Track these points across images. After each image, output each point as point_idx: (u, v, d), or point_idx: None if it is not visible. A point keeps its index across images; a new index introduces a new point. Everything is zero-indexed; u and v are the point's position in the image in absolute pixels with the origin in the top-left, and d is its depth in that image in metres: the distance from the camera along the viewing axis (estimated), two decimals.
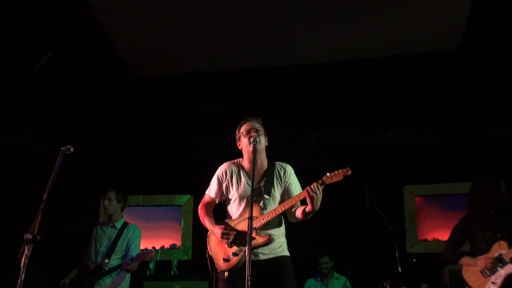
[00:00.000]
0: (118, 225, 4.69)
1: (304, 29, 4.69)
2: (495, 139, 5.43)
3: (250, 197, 2.85)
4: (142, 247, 4.69)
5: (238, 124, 3.35)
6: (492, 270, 3.70)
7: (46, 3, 4.23)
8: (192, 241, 5.98)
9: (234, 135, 3.39)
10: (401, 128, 5.70)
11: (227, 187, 3.27)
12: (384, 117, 5.69)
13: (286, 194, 3.20)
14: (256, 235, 3.00)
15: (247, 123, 3.28)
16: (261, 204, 3.13)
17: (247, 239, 2.63)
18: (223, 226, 3.12)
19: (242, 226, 3.05)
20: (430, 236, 5.76)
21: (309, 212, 3.00)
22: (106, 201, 4.60)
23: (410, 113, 5.55)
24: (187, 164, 5.93)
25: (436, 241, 5.71)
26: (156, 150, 6.08)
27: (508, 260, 3.66)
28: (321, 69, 5.33)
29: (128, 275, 4.47)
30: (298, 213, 3.10)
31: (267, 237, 3.03)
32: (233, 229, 3.10)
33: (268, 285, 2.95)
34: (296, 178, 3.29)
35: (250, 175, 3.05)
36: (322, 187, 2.89)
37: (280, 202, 3.16)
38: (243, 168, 3.28)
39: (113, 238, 4.57)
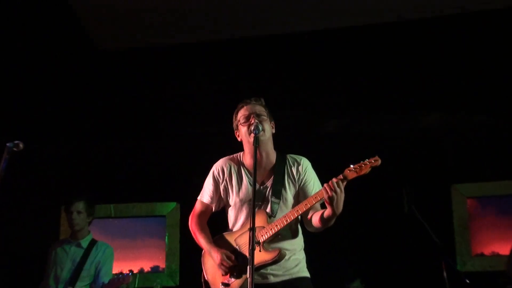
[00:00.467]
0: (85, 243, 4.73)
1: None
2: None
3: (251, 202, 2.86)
4: (115, 271, 4.75)
5: (235, 109, 3.40)
6: None
7: None
8: (179, 262, 6.03)
9: (232, 123, 3.45)
10: (446, 111, 5.75)
11: (226, 190, 3.35)
12: (423, 98, 5.71)
13: (302, 196, 3.25)
14: (262, 250, 3.05)
15: (246, 107, 3.34)
16: (268, 209, 3.19)
17: (249, 257, 2.65)
18: (224, 251, 3.17)
19: (245, 240, 3.07)
20: (487, 249, 5.80)
21: (328, 218, 3.04)
22: (75, 214, 4.68)
23: (457, 92, 5.58)
24: (172, 163, 5.98)
25: (496, 255, 5.72)
26: (131, 145, 6.14)
27: None
28: (341, 36, 5.38)
29: None
30: (315, 219, 3.16)
31: (276, 253, 3.06)
32: (234, 250, 3.18)
33: None
34: (314, 174, 3.35)
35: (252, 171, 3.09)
36: (344, 183, 2.95)
37: (294, 206, 3.19)
38: (244, 165, 3.35)
39: (78, 260, 4.60)
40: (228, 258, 3.15)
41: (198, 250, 3.43)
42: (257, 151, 3.09)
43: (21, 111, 5.82)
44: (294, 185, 3.30)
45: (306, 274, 3.27)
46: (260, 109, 3.32)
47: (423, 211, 4.90)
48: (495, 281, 4.88)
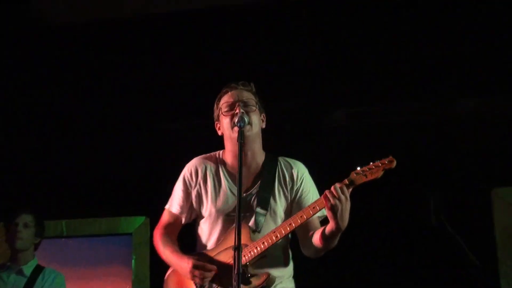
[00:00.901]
0: (28, 270, 4.70)
1: None
2: None
3: (236, 213, 2.87)
4: None
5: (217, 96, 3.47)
6: None
7: None
8: None
9: (212, 112, 3.52)
10: (482, 95, 5.73)
11: (199, 197, 3.41)
12: (454, 79, 5.67)
13: (295, 211, 3.28)
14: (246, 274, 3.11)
15: (230, 93, 3.39)
16: (251, 223, 3.25)
17: (234, 282, 2.68)
18: (196, 257, 3.23)
19: (224, 259, 3.16)
20: None
21: (331, 235, 3.07)
22: (21, 227, 4.69)
23: (497, 72, 5.51)
24: (138, 168, 6.01)
25: None
26: (88, 144, 6.15)
27: None
28: (349, 3, 5.36)
29: None
30: (316, 237, 3.19)
31: (264, 277, 3.11)
32: (212, 260, 3.22)
33: None
34: (313, 184, 3.43)
35: (235, 175, 3.22)
36: (350, 189, 3.01)
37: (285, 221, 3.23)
38: (224, 165, 3.42)
39: None
40: (202, 263, 3.17)
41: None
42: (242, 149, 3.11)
43: None
44: (286, 196, 3.37)
45: None
46: (248, 96, 3.38)
47: (455, 222, 5.05)
48: None
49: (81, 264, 6.18)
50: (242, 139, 3.11)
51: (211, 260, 3.23)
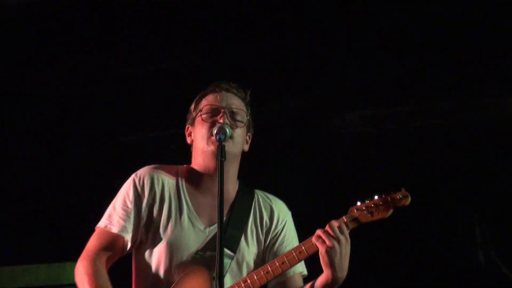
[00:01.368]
0: None
1: None
2: None
3: (217, 252, 2.68)
4: None
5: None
6: None
7: None
8: None
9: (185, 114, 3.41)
10: None
11: (149, 216, 3.14)
12: (495, 76, 5.35)
13: (271, 259, 3.15)
14: None
15: (218, 94, 3.24)
16: (212, 268, 3.00)
17: None
18: None
19: None
20: None
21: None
22: None
23: None
24: (88, 193, 5.60)
25: None
26: (19, 165, 5.85)
27: None
28: None
29: None
30: None
31: None
32: None
33: None
34: (295, 232, 3.31)
35: (200, 202, 3.12)
36: (349, 228, 2.90)
37: (256, 269, 3.12)
38: (186, 185, 3.21)
39: None
40: None
41: None
42: (215, 171, 2.99)
43: None
44: (259, 240, 3.20)
45: None
46: (239, 105, 3.20)
47: (510, 259, 4.88)
48: None
49: None
50: (223, 156, 2.88)
51: None
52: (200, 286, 2.99)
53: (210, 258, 3.02)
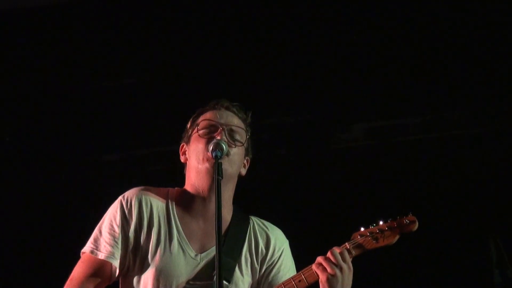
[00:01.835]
0: None
1: None
2: None
3: (216, 281, 2.63)
4: None
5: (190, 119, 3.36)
6: None
7: None
8: None
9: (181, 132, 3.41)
10: None
11: (135, 241, 3.10)
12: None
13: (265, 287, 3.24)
14: None
15: (217, 112, 3.23)
16: None
17: None
18: None
19: None
20: None
21: None
22: None
23: None
24: (69, 217, 5.65)
25: None
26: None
27: None
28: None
29: None
30: None
31: None
32: None
33: None
34: (292, 261, 3.29)
35: (191, 227, 3.08)
36: (352, 255, 2.87)
37: None
38: (177, 209, 3.17)
39: None
40: None
41: None
42: (209, 193, 3.03)
43: None
44: (254, 269, 3.17)
45: None
46: (239, 125, 3.19)
47: None
48: None
49: None
50: (220, 174, 2.87)
51: None
52: None
53: (202, 286, 3.02)
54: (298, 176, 5.44)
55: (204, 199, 3.00)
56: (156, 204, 3.15)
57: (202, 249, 3.06)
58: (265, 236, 3.22)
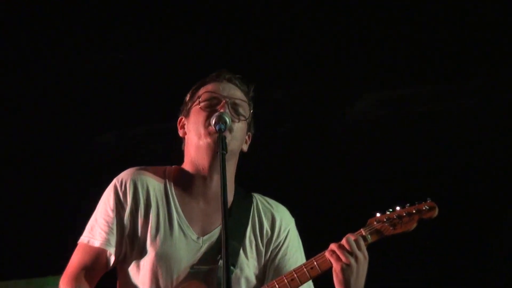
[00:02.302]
0: None
1: None
2: None
3: (223, 265, 2.50)
4: None
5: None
6: None
7: None
8: None
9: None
10: None
11: (133, 227, 3.04)
12: None
13: (272, 275, 3.08)
14: None
15: (219, 84, 3.15)
16: (211, 283, 2.99)
17: None
18: None
19: None
20: None
21: None
22: None
23: None
24: (66, 201, 5.52)
25: None
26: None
27: None
28: None
29: None
30: None
31: None
32: None
33: None
34: (299, 241, 3.21)
35: (191, 208, 3.03)
36: (368, 243, 2.83)
37: (257, 287, 3.12)
38: (175, 188, 3.10)
39: None
40: None
41: None
42: (210, 171, 2.95)
43: None
44: (260, 252, 3.09)
45: None
46: (242, 99, 3.11)
47: None
48: None
49: None
50: (224, 148, 2.76)
51: None
52: None
53: (206, 272, 2.95)
54: (304, 153, 5.36)
55: (204, 178, 2.91)
56: (153, 185, 3.08)
57: (203, 232, 2.99)
58: (270, 216, 3.14)
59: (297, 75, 5.56)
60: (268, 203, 3.18)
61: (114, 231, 3.04)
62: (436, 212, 2.81)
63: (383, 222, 2.81)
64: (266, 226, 3.11)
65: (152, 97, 5.04)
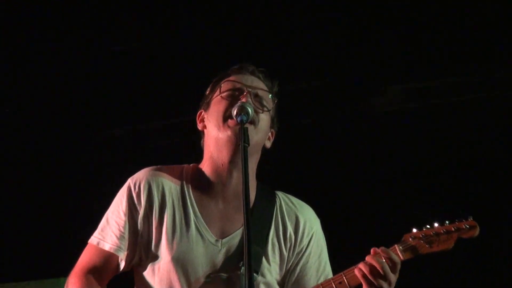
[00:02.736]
0: None
1: None
2: None
3: (245, 268, 2.47)
4: None
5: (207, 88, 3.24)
6: None
7: None
8: None
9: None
10: None
11: (147, 230, 3.01)
12: None
13: (292, 279, 3.06)
14: None
15: (242, 75, 3.12)
16: None
17: None
18: None
19: None
20: None
21: None
22: None
23: None
24: (79, 200, 5.51)
25: None
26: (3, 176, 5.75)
27: None
28: None
29: None
30: None
31: None
32: None
33: None
34: (324, 245, 3.17)
35: (209, 209, 2.99)
36: (402, 260, 2.75)
37: None
38: (193, 188, 3.06)
39: None
40: None
41: None
42: (229, 167, 2.89)
43: None
44: (283, 257, 3.04)
45: None
46: (264, 88, 3.08)
47: None
48: None
49: None
50: (246, 140, 2.69)
51: None
52: None
53: (225, 278, 2.92)
54: (326, 148, 5.25)
55: (223, 176, 2.86)
56: (169, 186, 3.04)
57: (223, 234, 2.95)
58: (294, 218, 3.08)
59: (320, 68, 5.38)
60: (292, 203, 3.11)
61: (126, 235, 3.00)
62: (477, 232, 2.73)
63: (419, 238, 2.76)
64: (290, 229, 3.05)
65: (164, 93, 4.96)
